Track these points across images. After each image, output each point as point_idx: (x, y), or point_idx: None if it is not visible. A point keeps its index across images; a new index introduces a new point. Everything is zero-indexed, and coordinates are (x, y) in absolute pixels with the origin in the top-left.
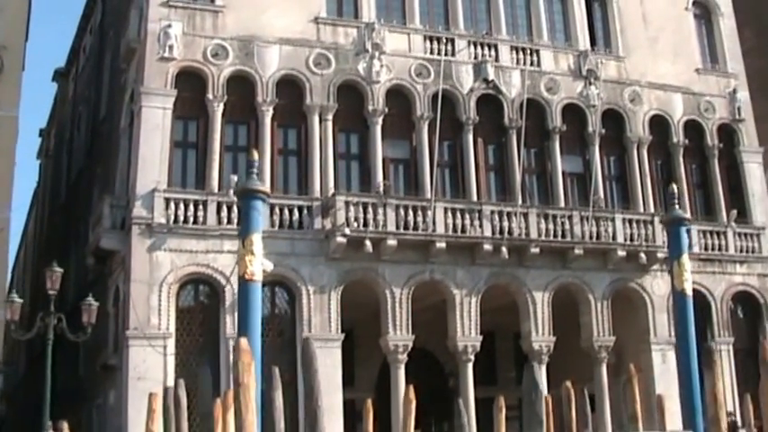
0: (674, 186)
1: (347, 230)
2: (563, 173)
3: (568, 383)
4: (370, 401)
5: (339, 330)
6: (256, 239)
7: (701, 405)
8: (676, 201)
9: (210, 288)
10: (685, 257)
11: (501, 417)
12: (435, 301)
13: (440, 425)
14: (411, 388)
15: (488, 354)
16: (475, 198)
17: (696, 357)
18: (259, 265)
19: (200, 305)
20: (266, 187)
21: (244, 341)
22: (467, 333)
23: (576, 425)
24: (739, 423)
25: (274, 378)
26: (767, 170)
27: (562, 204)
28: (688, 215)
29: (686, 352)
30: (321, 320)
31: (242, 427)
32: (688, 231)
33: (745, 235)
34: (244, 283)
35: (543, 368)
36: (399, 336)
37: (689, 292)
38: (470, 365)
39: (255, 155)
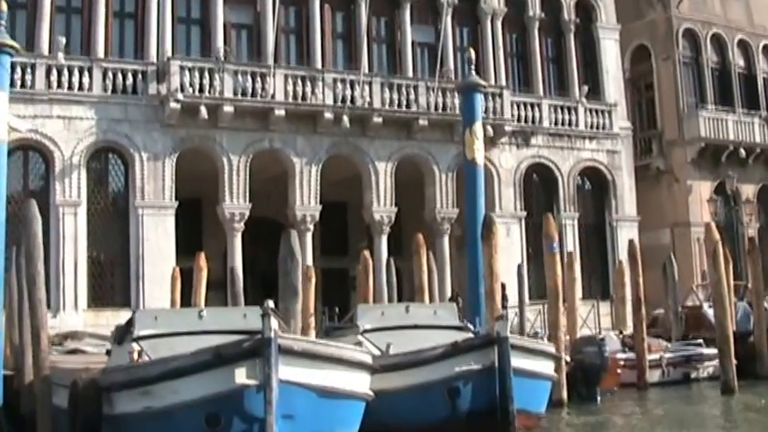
0: (472, 51)
1: (180, 96)
2: (413, 43)
3: (366, 252)
4: (178, 269)
5: (173, 198)
6: (1, 98)
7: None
8: (473, 66)
9: (40, 155)
10: (478, 125)
11: (309, 285)
12: (282, 170)
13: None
14: (202, 255)
15: (341, 224)
16: (320, 66)
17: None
18: (4, 126)
19: (29, 172)
20: (13, 42)
21: None
22: (306, 203)
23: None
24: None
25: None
26: (624, 50)
27: (410, 75)
28: (483, 82)
29: (473, 223)
30: (155, 188)
31: None
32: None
33: (597, 111)
34: None
35: (384, 239)
36: (236, 204)
37: (480, 162)
38: (309, 235)
39: (4, 5)
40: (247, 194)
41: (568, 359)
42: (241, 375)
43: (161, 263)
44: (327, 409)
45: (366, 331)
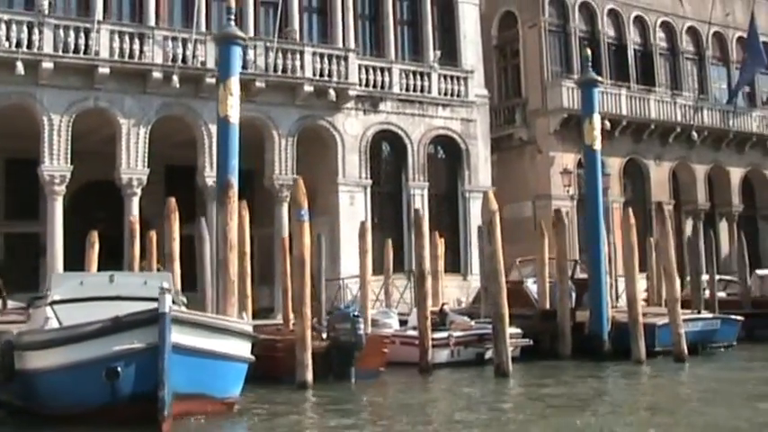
0: (232, 1)
1: None
2: (255, 2)
3: (132, 217)
4: None
5: None
6: None
7: None
8: (232, 17)
9: None
10: (233, 80)
11: (92, 252)
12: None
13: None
14: None
15: (189, 189)
16: (153, 23)
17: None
18: None
19: None
20: None
21: None
22: (132, 165)
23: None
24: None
25: None
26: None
27: (251, 34)
28: (242, 34)
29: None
30: None
31: None
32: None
33: (452, 78)
34: None
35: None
36: (56, 166)
37: (233, 120)
38: (136, 199)
39: None
40: (69, 156)
41: (325, 335)
42: None
43: None
44: None
45: (56, 302)
